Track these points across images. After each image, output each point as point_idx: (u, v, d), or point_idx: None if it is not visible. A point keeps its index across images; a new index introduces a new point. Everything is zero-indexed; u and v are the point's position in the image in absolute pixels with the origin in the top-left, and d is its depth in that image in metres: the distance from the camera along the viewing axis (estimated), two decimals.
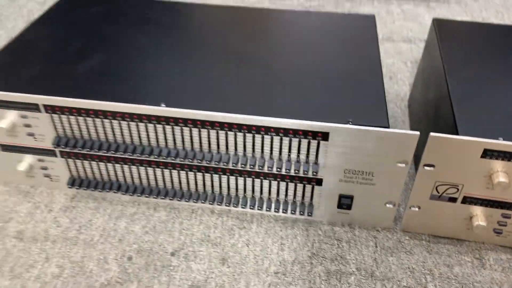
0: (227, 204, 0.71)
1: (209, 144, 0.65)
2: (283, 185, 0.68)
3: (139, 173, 0.71)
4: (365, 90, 0.66)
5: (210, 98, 0.65)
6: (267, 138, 0.62)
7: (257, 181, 0.68)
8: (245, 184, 0.69)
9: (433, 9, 1.34)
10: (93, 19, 0.83)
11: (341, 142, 0.61)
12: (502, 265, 0.64)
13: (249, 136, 0.63)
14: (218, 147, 0.65)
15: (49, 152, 0.70)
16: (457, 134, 0.59)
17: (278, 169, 0.65)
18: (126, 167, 0.70)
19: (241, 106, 0.63)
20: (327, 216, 0.70)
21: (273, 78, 0.68)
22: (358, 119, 0.60)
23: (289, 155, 0.64)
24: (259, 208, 0.71)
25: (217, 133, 0.63)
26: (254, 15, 0.87)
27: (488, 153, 0.57)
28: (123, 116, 0.63)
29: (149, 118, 0.63)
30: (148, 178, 0.71)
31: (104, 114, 0.64)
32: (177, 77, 0.69)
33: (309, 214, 0.69)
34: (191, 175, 0.69)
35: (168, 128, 0.64)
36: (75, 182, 0.73)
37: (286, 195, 0.69)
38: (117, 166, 0.70)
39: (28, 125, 0.67)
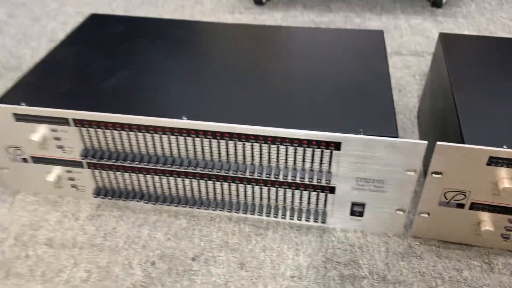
0: (244, 212, 0.75)
1: (227, 154, 0.68)
2: (297, 193, 0.71)
3: (160, 183, 0.75)
4: (375, 101, 0.70)
5: (228, 111, 0.69)
6: (282, 148, 0.66)
7: (273, 189, 0.72)
8: (261, 193, 0.73)
9: (440, 23, 1.38)
10: (115, 38, 0.88)
11: (352, 151, 0.64)
12: (511, 269, 0.67)
13: (265, 147, 0.66)
14: (236, 157, 0.69)
15: (77, 164, 0.75)
16: (463, 143, 0.62)
17: (293, 178, 0.68)
18: (148, 177, 0.74)
19: (257, 118, 0.67)
20: (340, 223, 0.73)
21: (287, 92, 0.72)
22: (368, 129, 0.64)
23: (303, 164, 0.67)
24: (275, 215, 0.74)
25: (235, 144, 0.67)
26: (268, 32, 0.91)
27: (493, 161, 0.60)
28: (146, 128, 0.68)
29: (171, 131, 0.67)
30: (169, 188, 0.75)
31: (129, 127, 0.68)
32: (197, 92, 0.73)
33: (323, 221, 0.72)
34: (210, 184, 0.73)
35: (189, 139, 0.68)
36: (101, 192, 0.77)
37: (301, 203, 0.73)
38: (140, 176, 0.74)
39: (57, 138, 0.72)
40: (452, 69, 0.76)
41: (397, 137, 0.62)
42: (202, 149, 0.69)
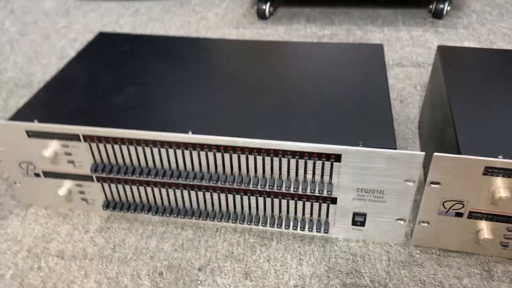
0: (249, 223, 0.77)
1: (231, 167, 0.71)
2: (300, 204, 0.73)
3: (167, 195, 0.77)
4: (374, 114, 0.72)
5: (232, 125, 0.71)
6: (284, 161, 0.68)
7: (276, 200, 0.74)
8: (264, 204, 0.75)
9: (441, 34, 1.40)
10: (123, 56, 0.91)
11: (353, 163, 0.66)
12: (510, 276, 0.68)
13: (267, 159, 0.69)
14: (240, 170, 0.71)
15: (87, 178, 0.78)
16: (459, 153, 0.63)
17: (295, 189, 0.71)
18: (156, 189, 0.77)
19: (260, 131, 0.69)
20: (342, 232, 0.75)
21: (288, 105, 0.75)
22: (368, 141, 0.66)
23: (305, 176, 0.70)
24: (279, 226, 0.76)
25: (239, 156, 0.69)
26: (270, 47, 0.94)
27: (489, 170, 0.62)
28: (153, 143, 0.70)
29: (177, 145, 0.70)
30: (176, 200, 0.77)
31: (137, 142, 0.71)
32: (202, 107, 0.76)
33: (326, 231, 0.74)
34: (215, 196, 0.75)
35: (194, 153, 0.70)
36: (110, 204, 0.80)
37: (303, 213, 0.75)
38: (148, 189, 0.77)
39: (68, 153, 0.75)
40: (449, 80, 0.78)
41: (395, 149, 0.64)
42: (207, 162, 0.71)
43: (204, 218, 0.78)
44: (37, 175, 0.79)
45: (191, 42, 0.96)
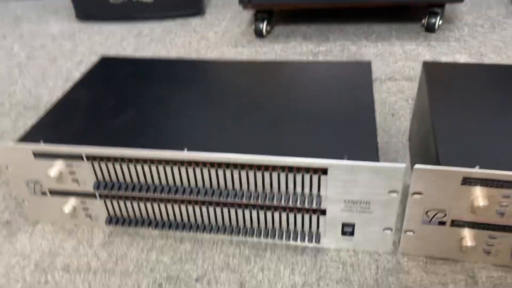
0: (244, 235, 0.80)
1: (225, 182, 0.75)
2: (291, 216, 0.77)
3: (166, 210, 0.81)
4: (359, 129, 0.76)
5: (224, 141, 0.75)
6: (274, 175, 0.72)
7: (269, 213, 0.78)
8: (258, 217, 0.78)
9: (433, 47, 1.44)
10: (123, 79, 0.96)
11: (339, 176, 0.70)
12: (494, 282, 0.71)
13: (259, 174, 0.73)
14: (233, 185, 0.75)
15: (90, 195, 0.82)
16: (439, 164, 0.67)
17: (286, 202, 0.74)
18: (155, 205, 0.81)
19: (251, 147, 0.73)
20: (333, 242, 0.79)
21: (278, 122, 0.79)
22: (352, 155, 0.70)
23: (294, 189, 0.73)
24: (272, 237, 0.79)
25: (232, 172, 0.73)
26: (261, 67, 0.99)
27: (467, 180, 0.65)
28: (151, 161, 0.75)
29: (174, 162, 0.74)
30: (174, 214, 0.82)
31: (136, 160, 0.75)
32: (196, 126, 0.80)
33: (317, 241, 0.78)
34: (211, 210, 0.79)
35: (190, 169, 0.75)
36: (112, 220, 0.84)
37: (295, 225, 0.78)
38: (148, 204, 0.81)
39: (72, 172, 0.79)
40: (432, 94, 0.82)
41: (377, 161, 0.68)
42: (202, 177, 0.75)
43: (201, 231, 0.81)
44: (43, 193, 0.84)
45: (185, 64, 1.01)
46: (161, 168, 0.75)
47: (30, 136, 0.81)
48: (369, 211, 0.73)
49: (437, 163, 0.68)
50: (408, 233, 0.73)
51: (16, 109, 1.29)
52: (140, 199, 0.81)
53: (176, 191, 0.77)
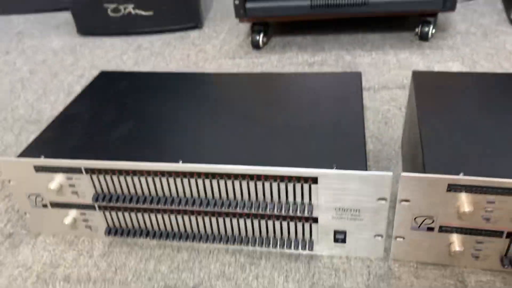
0: (239, 244, 0.83)
1: (219, 192, 0.77)
2: (285, 224, 0.79)
3: (163, 221, 0.84)
4: (348, 138, 0.78)
5: (218, 153, 0.78)
6: (267, 184, 0.75)
7: (263, 222, 0.80)
8: (252, 225, 0.81)
9: (427, 55, 1.47)
10: (121, 93, 0.99)
11: (329, 184, 0.72)
12: (483, 286, 0.73)
13: (251, 184, 0.75)
14: (227, 194, 0.77)
15: (90, 207, 0.85)
16: (425, 172, 0.69)
17: (279, 211, 0.76)
18: (153, 216, 0.83)
19: (243, 158, 0.76)
20: (326, 249, 0.80)
21: (270, 133, 0.81)
22: (341, 164, 0.72)
23: (286, 198, 0.76)
24: (267, 245, 0.82)
25: (225, 182, 0.76)
26: (254, 79, 1.01)
27: (452, 187, 0.67)
28: (148, 173, 0.77)
29: (170, 173, 0.76)
30: (171, 224, 0.84)
31: (133, 172, 0.78)
32: (191, 138, 0.82)
33: (310, 248, 0.80)
34: (207, 219, 0.82)
35: (185, 180, 0.77)
36: (111, 231, 0.86)
37: (289, 233, 0.80)
38: (146, 215, 0.83)
39: (72, 185, 0.82)
40: (420, 103, 0.84)
41: (365, 170, 0.70)
42: (197, 188, 0.77)
43: (198, 241, 0.84)
44: (44, 206, 0.86)
45: (180, 77, 1.04)
46: (157, 179, 0.78)
47: (31, 150, 0.84)
48: (359, 219, 0.75)
49: (423, 170, 0.70)
50: (398, 239, 0.75)
51: (19, 124, 1.32)
52: (138, 210, 0.83)
53: (173, 202, 0.79)
